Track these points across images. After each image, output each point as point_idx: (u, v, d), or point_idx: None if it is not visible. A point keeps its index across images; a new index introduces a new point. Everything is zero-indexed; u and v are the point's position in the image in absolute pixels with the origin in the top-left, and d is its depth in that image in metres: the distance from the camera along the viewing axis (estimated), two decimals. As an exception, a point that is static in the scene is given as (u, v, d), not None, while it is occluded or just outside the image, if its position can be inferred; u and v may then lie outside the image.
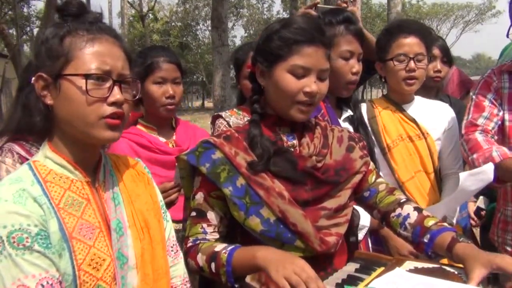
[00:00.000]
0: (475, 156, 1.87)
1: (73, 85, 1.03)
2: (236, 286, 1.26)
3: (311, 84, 1.31)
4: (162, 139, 1.95)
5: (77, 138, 1.07)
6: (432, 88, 2.68)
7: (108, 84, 1.05)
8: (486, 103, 1.97)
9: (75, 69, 1.03)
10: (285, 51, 1.30)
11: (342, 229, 1.38)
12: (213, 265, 1.26)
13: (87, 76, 1.02)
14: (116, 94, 1.05)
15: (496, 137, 1.96)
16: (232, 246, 1.27)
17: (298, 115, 1.34)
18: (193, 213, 1.37)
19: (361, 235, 1.81)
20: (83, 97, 1.02)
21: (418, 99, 2.13)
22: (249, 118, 1.43)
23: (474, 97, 2.02)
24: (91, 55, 1.04)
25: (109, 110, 1.04)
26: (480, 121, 1.95)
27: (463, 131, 1.99)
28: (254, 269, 1.20)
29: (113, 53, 1.07)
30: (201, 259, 1.30)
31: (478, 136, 1.92)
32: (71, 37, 1.04)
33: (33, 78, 1.08)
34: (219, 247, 1.29)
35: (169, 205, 1.61)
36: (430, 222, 1.34)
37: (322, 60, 1.32)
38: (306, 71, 1.31)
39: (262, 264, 1.16)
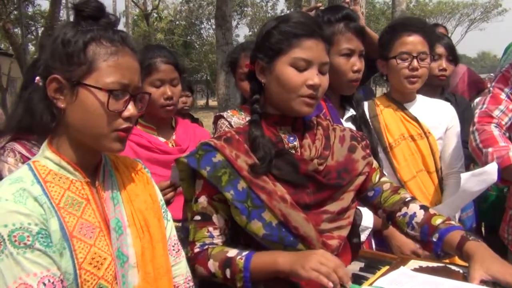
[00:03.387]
0: (490, 150, 1.85)
1: (92, 96, 1.02)
2: None
3: (313, 76, 1.30)
4: (162, 139, 1.94)
5: (83, 142, 1.07)
6: (437, 87, 2.67)
7: (124, 98, 1.05)
8: (503, 96, 1.96)
9: (96, 81, 1.02)
10: (286, 45, 1.30)
11: (345, 232, 1.37)
12: (227, 271, 1.25)
13: (110, 92, 1.02)
14: (131, 109, 1.06)
15: (507, 134, 1.94)
16: (247, 252, 1.26)
17: (303, 108, 1.32)
18: (198, 217, 1.35)
19: (363, 236, 1.79)
20: (101, 110, 1.03)
21: (420, 98, 2.11)
22: (249, 118, 1.42)
23: (491, 88, 2.01)
24: (114, 68, 1.03)
25: (123, 124, 1.06)
26: (496, 113, 1.94)
27: (476, 120, 1.97)
28: (275, 274, 1.21)
29: (132, 67, 1.07)
30: (213, 265, 1.28)
31: (494, 130, 1.90)
32: (95, 46, 1.03)
33: (37, 78, 1.07)
34: (232, 252, 1.28)
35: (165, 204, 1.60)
36: (437, 221, 1.33)
37: (322, 53, 1.32)
38: (307, 63, 1.30)
39: (287, 268, 1.17)
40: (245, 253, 1.26)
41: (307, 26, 1.31)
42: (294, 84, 1.29)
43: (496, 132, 1.89)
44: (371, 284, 1.16)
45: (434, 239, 1.30)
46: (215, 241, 1.33)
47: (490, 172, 1.73)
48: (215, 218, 1.33)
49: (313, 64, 1.30)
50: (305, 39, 1.30)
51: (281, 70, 1.30)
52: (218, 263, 1.27)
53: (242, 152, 1.32)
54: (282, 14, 1.80)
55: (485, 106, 1.97)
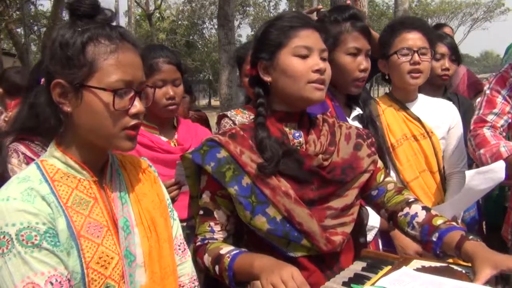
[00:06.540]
0: (482, 151, 1.85)
1: (97, 98, 1.02)
2: None
3: (317, 61, 1.33)
4: (164, 138, 1.95)
5: (92, 143, 1.07)
6: (439, 87, 2.66)
7: (130, 95, 1.04)
8: (499, 99, 1.96)
9: (99, 81, 1.01)
10: (284, 37, 1.34)
11: (348, 229, 1.37)
12: (217, 267, 1.28)
13: (114, 92, 1.01)
14: (138, 105, 1.05)
15: (504, 134, 1.94)
16: (236, 251, 1.27)
17: (314, 93, 1.33)
18: (201, 212, 1.38)
19: (370, 236, 1.79)
20: (107, 110, 1.02)
21: (421, 97, 2.11)
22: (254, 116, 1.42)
23: (488, 92, 2.00)
24: (115, 66, 1.02)
25: (131, 122, 1.05)
26: (490, 117, 1.94)
27: (471, 126, 1.98)
28: (252, 277, 1.20)
29: (134, 62, 1.06)
30: (207, 260, 1.31)
31: (486, 132, 1.91)
32: (93, 46, 1.01)
33: (43, 80, 1.06)
34: (225, 249, 1.29)
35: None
36: (438, 221, 1.33)
37: (319, 41, 1.36)
38: (308, 50, 1.33)
39: (257, 273, 1.17)
40: (234, 252, 1.27)
41: (301, 19, 1.37)
42: (301, 72, 1.32)
43: (488, 133, 1.90)
44: (373, 284, 1.16)
45: (434, 239, 1.31)
46: (216, 236, 1.36)
47: (496, 170, 1.71)
48: (216, 213, 1.35)
49: (313, 50, 1.34)
50: (301, 29, 1.34)
51: (285, 62, 1.33)
52: (211, 259, 1.30)
53: (246, 148, 1.33)
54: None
55: (480, 111, 1.99)
